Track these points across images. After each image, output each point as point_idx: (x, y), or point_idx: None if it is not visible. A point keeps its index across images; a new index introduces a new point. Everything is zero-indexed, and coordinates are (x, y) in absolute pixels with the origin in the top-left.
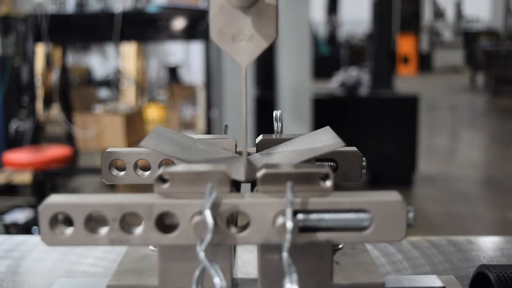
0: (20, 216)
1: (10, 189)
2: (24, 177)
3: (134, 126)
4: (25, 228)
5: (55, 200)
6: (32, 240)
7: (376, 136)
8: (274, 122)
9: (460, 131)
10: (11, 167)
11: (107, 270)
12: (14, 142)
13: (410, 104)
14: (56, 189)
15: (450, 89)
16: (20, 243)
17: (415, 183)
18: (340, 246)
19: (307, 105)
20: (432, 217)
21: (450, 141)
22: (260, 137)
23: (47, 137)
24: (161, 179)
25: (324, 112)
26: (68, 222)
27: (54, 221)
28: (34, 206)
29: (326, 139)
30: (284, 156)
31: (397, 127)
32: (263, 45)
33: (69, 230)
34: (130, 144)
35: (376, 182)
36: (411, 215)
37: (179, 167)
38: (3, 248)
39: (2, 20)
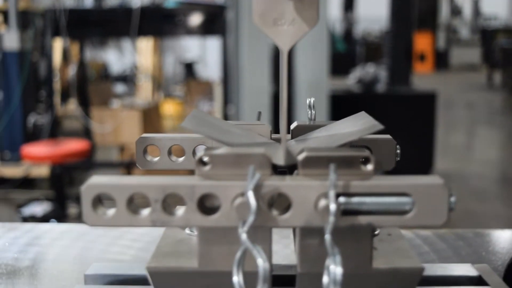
0: (38, 209)
1: (28, 183)
2: (42, 171)
3: (151, 121)
4: (43, 221)
5: (97, 180)
6: (59, 228)
7: (393, 133)
8: (307, 110)
9: (477, 129)
10: (29, 161)
11: (135, 258)
12: (32, 136)
13: (427, 101)
14: (73, 183)
15: (467, 87)
16: (47, 231)
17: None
18: (376, 232)
19: (325, 102)
20: (450, 215)
21: (467, 139)
22: (295, 123)
23: (64, 131)
24: (202, 162)
25: (342, 109)
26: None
27: (97, 202)
28: (51, 200)
29: (362, 123)
30: (320, 141)
31: (414, 124)
32: (304, 29)
33: (111, 211)
34: None
35: None
36: (453, 199)
37: (220, 150)
38: (31, 235)
39: (20, 14)
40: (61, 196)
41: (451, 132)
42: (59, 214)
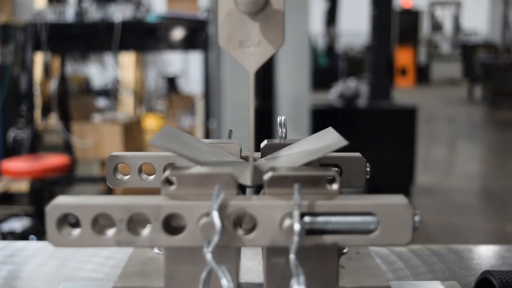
0: (17, 224)
1: (7, 198)
2: (22, 186)
3: (133, 135)
4: (22, 237)
5: (62, 201)
6: (33, 246)
7: (374, 147)
8: (278, 128)
9: (457, 143)
10: (9, 176)
11: (108, 276)
12: (12, 150)
13: (408, 116)
14: (53, 198)
15: (448, 101)
16: (20, 249)
17: (413, 195)
18: (345, 250)
19: (306, 116)
20: (430, 229)
21: (448, 153)
22: (265, 142)
23: (45, 146)
24: (168, 181)
25: (323, 123)
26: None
27: (61, 222)
28: (31, 215)
29: (329, 139)
30: (289, 158)
31: (395, 139)
32: (270, 51)
33: (76, 231)
34: None
35: (373, 193)
36: (417, 218)
37: (186, 170)
38: (3, 253)
39: (1, 28)
40: (41, 211)
41: (432, 146)
42: (38, 230)
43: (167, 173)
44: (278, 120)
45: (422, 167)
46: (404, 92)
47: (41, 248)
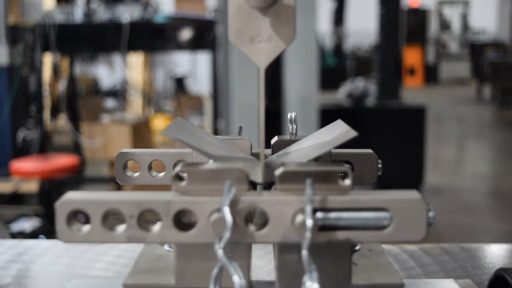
0: (26, 225)
1: (17, 198)
2: (31, 186)
3: (141, 136)
4: (32, 237)
5: (72, 196)
6: (43, 245)
7: (383, 147)
8: (288, 124)
9: (467, 142)
10: (19, 176)
11: (118, 275)
12: (22, 151)
13: (417, 115)
14: None
15: (457, 100)
16: (30, 247)
17: (422, 194)
18: (357, 247)
19: (314, 116)
20: (440, 229)
21: (457, 153)
22: (276, 138)
23: (54, 146)
24: (178, 177)
25: (331, 123)
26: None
27: (71, 218)
28: (40, 215)
29: (339, 131)
30: (300, 153)
31: (404, 138)
32: (281, 46)
33: (86, 227)
34: None
35: None
36: (431, 214)
37: (197, 165)
38: (13, 252)
39: (10, 29)
40: (50, 212)
41: (441, 146)
42: (48, 230)
43: (178, 168)
44: (289, 116)
45: (432, 167)
46: (412, 91)
47: (50, 246)
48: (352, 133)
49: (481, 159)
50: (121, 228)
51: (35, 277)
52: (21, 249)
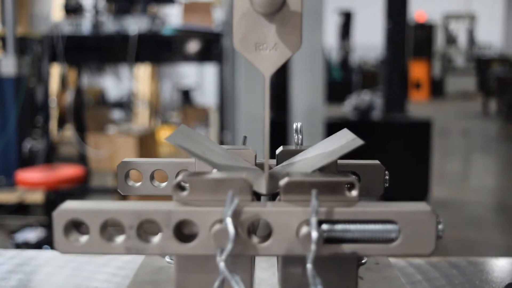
0: (31, 235)
1: (22, 208)
2: (37, 197)
3: (147, 147)
4: (36, 248)
5: (70, 206)
6: (44, 255)
7: (389, 160)
8: (294, 134)
9: (472, 156)
10: (24, 186)
11: (119, 286)
12: (28, 161)
13: (423, 129)
14: None
15: (463, 115)
16: (31, 258)
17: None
18: (363, 260)
19: (320, 129)
20: (446, 243)
21: (463, 167)
22: (281, 148)
23: (60, 157)
24: (180, 187)
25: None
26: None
27: (69, 228)
28: (45, 226)
29: (345, 140)
30: (305, 163)
31: (410, 152)
32: (287, 54)
33: (84, 238)
34: None
35: None
36: (440, 227)
37: (199, 175)
38: (14, 262)
39: (18, 40)
40: None
41: (447, 160)
42: (52, 241)
43: (179, 178)
44: (294, 126)
45: (437, 181)
46: (418, 105)
47: (52, 257)
48: (358, 142)
49: (487, 173)
50: (120, 239)
51: (35, 287)
52: (22, 260)
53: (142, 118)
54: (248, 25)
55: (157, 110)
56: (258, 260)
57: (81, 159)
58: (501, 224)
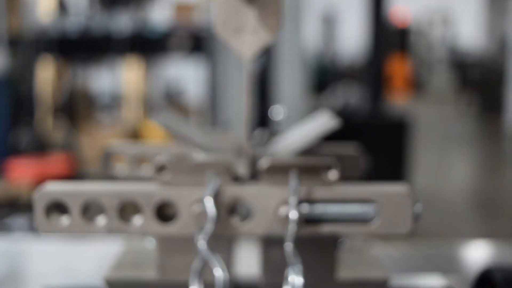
0: (20, 223)
1: (11, 198)
2: (25, 187)
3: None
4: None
5: (51, 187)
6: (31, 241)
7: (368, 161)
8: (274, 116)
9: (453, 157)
10: (13, 178)
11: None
12: (17, 151)
13: (403, 130)
14: None
15: (444, 116)
16: (19, 244)
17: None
18: (343, 241)
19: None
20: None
21: (444, 167)
22: (261, 130)
23: (50, 150)
24: (162, 169)
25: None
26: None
27: (50, 209)
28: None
29: (322, 120)
30: (285, 145)
31: (389, 153)
32: (267, 38)
33: (65, 219)
34: None
35: None
36: (418, 207)
37: (180, 156)
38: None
39: (9, 41)
40: None
41: (428, 161)
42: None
43: (160, 158)
44: (274, 108)
45: (418, 180)
46: (398, 107)
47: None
48: (335, 122)
49: (468, 173)
50: (101, 219)
51: (19, 272)
52: (8, 245)
53: (130, 116)
54: (229, 10)
55: (145, 108)
56: (245, 242)
57: (71, 152)
58: (479, 223)
